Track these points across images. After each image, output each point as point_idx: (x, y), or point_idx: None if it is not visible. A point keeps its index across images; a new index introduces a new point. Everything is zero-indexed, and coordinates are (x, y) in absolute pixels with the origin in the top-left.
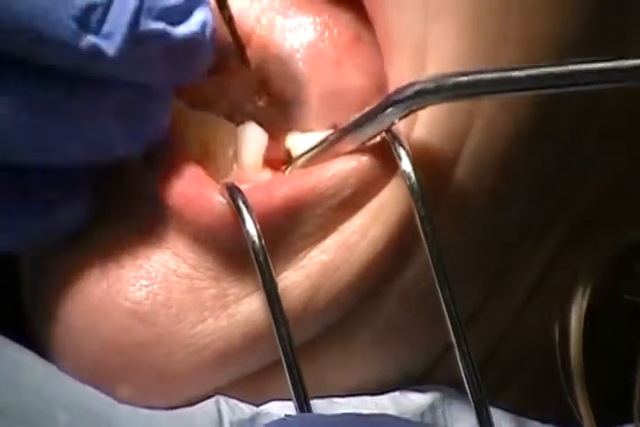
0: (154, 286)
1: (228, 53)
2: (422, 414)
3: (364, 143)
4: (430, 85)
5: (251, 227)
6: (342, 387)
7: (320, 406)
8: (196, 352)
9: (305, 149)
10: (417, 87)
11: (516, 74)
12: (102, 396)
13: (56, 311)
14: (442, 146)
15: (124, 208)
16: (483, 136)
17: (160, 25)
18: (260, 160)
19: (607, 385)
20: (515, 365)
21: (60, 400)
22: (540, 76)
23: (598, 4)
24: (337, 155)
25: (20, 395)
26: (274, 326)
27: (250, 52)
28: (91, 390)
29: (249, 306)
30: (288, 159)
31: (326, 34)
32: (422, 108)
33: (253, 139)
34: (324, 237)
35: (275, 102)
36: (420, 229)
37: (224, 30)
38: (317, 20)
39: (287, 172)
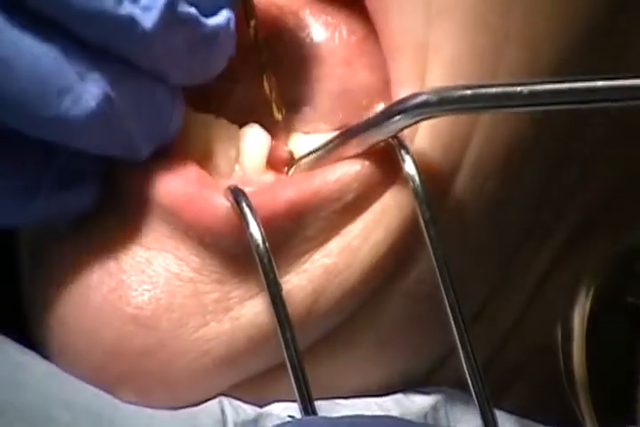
0: (156, 291)
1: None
2: (425, 416)
3: (368, 148)
4: (434, 97)
5: (255, 230)
6: (345, 389)
7: (323, 407)
8: (199, 357)
9: (307, 150)
10: (422, 98)
11: (519, 89)
12: (104, 395)
13: (57, 317)
14: (442, 157)
15: (123, 212)
16: (482, 147)
17: (193, 10)
18: (263, 162)
19: (610, 387)
20: (517, 367)
21: (60, 399)
22: (542, 93)
23: (599, 4)
24: (340, 158)
25: (20, 394)
26: (278, 329)
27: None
28: (93, 389)
29: (252, 308)
30: (291, 161)
31: (336, 34)
32: (427, 118)
33: (256, 140)
34: (326, 240)
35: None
36: (424, 231)
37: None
38: (329, 20)
39: (290, 173)
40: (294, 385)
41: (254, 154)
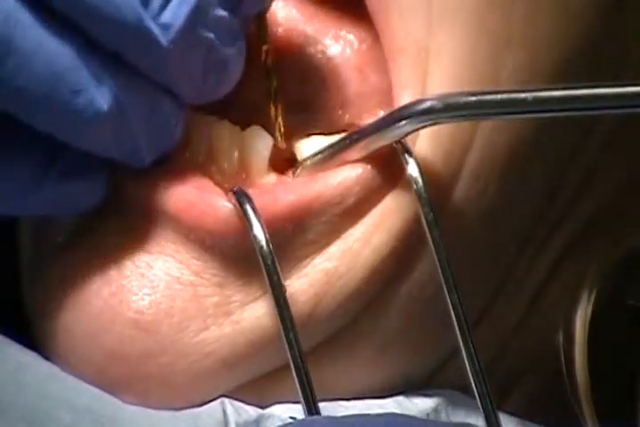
0: (157, 295)
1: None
2: (427, 418)
3: (371, 153)
4: (439, 104)
5: (258, 231)
6: (347, 391)
7: (326, 409)
8: (199, 360)
9: (310, 153)
10: (427, 104)
11: (524, 96)
12: (106, 396)
13: (57, 322)
14: (443, 164)
15: (123, 216)
16: (483, 154)
17: (211, 35)
18: (266, 164)
19: (611, 390)
20: (518, 371)
21: (62, 400)
22: (547, 100)
23: (600, 8)
24: (343, 162)
25: (21, 394)
26: (281, 329)
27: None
28: (94, 390)
29: (254, 312)
30: (293, 163)
31: (347, 45)
32: (432, 124)
33: (259, 142)
34: (327, 244)
35: (288, 107)
36: (427, 233)
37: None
38: (338, 33)
39: (295, 175)
40: (298, 385)
41: (257, 155)
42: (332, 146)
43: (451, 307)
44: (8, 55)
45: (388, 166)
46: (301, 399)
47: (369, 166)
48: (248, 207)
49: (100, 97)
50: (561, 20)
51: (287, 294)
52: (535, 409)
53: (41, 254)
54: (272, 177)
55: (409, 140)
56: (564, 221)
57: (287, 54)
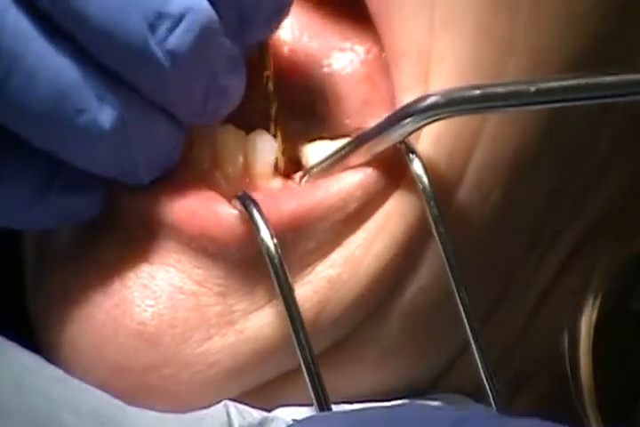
0: (159, 306)
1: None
2: None
3: (377, 155)
4: (443, 99)
5: (265, 234)
6: (351, 395)
7: None
8: (203, 371)
9: (316, 157)
10: (431, 100)
11: (528, 87)
12: (111, 398)
13: (61, 334)
14: (446, 167)
15: (125, 227)
16: (487, 157)
17: (214, 63)
18: (271, 168)
19: (616, 393)
20: (524, 374)
21: (66, 402)
22: (552, 90)
23: (603, 15)
24: (349, 166)
25: (25, 397)
26: (291, 331)
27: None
28: (99, 392)
29: (257, 321)
30: (298, 167)
31: (354, 57)
32: (436, 120)
33: (264, 147)
34: (330, 251)
35: (293, 114)
36: (433, 229)
37: None
38: (343, 45)
39: (302, 182)
40: (308, 383)
41: (261, 160)
42: (337, 151)
43: (459, 301)
44: (12, 71)
45: (391, 169)
46: (313, 399)
47: (370, 170)
48: (254, 210)
49: (104, 117)
50: (565, 23)
51: None
52: (541, 412)
53: (43, 262)
54: (277, 181)
55: (412, 142)
56: (569, 225)
57: (294, 73)
